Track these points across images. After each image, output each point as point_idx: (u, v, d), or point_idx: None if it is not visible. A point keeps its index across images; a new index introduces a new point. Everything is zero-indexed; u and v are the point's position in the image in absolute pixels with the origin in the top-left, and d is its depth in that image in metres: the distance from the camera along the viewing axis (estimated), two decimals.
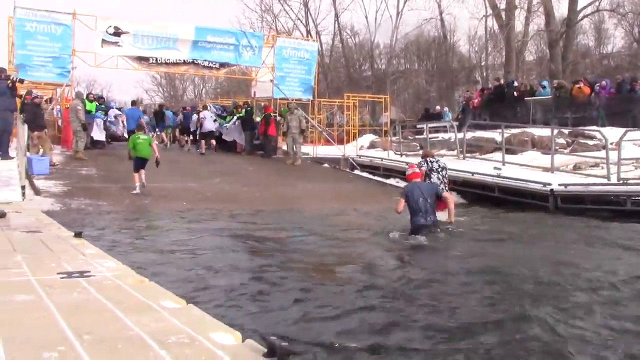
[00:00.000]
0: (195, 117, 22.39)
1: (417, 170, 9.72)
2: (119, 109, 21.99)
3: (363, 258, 7.51)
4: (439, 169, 10.79)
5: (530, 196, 13.08)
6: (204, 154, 19.66)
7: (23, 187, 10.11)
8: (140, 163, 13.24)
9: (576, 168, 14.57)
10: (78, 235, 5.23)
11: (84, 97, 18.84)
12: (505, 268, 6.72)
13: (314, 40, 27.66)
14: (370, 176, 17.95)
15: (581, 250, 8.06)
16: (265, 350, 2.01)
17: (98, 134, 18.68)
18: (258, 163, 18.52)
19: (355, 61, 46.88)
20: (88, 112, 17.56)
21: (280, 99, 21.09)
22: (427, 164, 10.84)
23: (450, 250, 8.06)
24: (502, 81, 24.53)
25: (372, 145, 22.71)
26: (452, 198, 9.63)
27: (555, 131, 15.86)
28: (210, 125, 20.84)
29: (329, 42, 45.71)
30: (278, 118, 20.64)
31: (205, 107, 23.18)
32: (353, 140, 23.03)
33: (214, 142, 20.72)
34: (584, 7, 30.72)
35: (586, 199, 12.22)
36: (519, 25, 33.46)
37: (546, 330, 4.41)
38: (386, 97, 27.04)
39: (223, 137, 21.15)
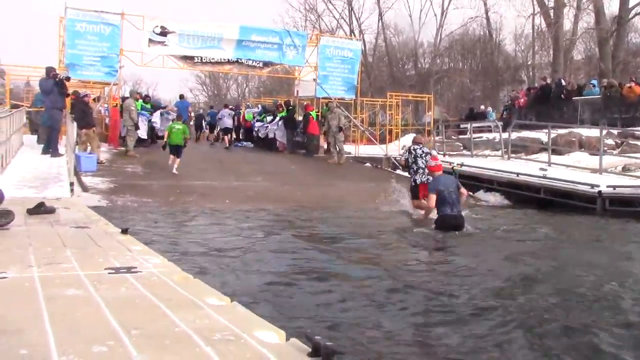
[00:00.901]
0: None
1: (440, 162, 10.44)
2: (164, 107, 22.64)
3: (409, 260, 7.46)
4: (423, 155, 11.60)
5: (578, 198, 12.80)
6: (228, 149, 21.52)
7: (71, 184, 10.35)
8: (173, 149, 15.06)
9: (625, 169, 14.22)
10: (124, 231, 5.33)
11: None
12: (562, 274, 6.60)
13: (357, 39, 27.59)
14: None
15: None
16: (310, 349, 2.01)
17: (142, 132, 19.04)
18: (300, 162, 18.56)
19: (398, 60, 46.56)
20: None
21: (323, 98, 21.10)
22: (412, 152, 11.80)
23: (501, 253, 7.94)
24: (549, 80, 24.00)
25: None
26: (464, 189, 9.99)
27: (604, 132, 15.48)
28: (227, 122, 22.88)
29: (372, 41, 45.57)
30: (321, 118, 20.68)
31: (225, 106, 25.10)
32: (395, 139, 22.91)
33: (226, 137, 22.72)
34: (636, 5, 29.76)
35: (636, 202, 11.88)
36: (567, 24, 32.74)
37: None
38: (429, 96, 26.80)
39: (268, 134, 21.43)
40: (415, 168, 11.54)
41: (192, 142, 24.34)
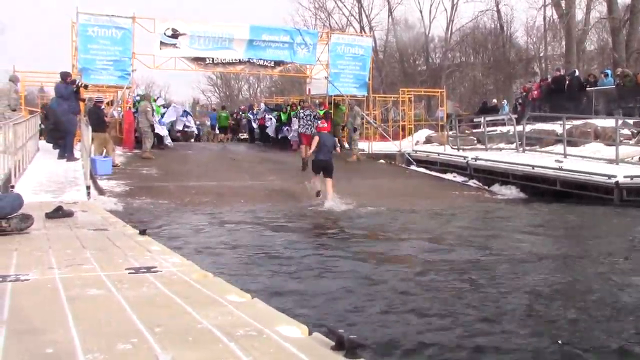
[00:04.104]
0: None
1: (326, 125, 13.94)
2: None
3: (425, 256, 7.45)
4: (305, 117, 17.98)
5: (594, 189, 12.71)
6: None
7: (88, 187, 10.42)
8: (222, 130, 26.36)
9: None
10: (143, 232, 5.34)
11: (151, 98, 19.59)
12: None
13: (368, 36, 27.52)
14: (427, 171, 17.76)
15: None
16: (333, 343, 2.00)
17: (163, 130, 19.26)
18: None
19: (409, 56, 46.41)
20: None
21: (335, 95, 21.07)
22: (299, 113, 18.73)
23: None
24: (562, 72, 23.81)
25: (428, 140, 22.47)
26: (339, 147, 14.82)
27: (620, 122, 15.32)
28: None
29: (382, 37, 45.45)
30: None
31: (223, 108, 29.62)
32: (409, 135, 22.84)
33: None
34: None
35: None
36: (579, 14, 32.48)
37: None
38: (442, 91, 26.69)
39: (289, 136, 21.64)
40: (298, 124, 18.12)
41: (205, 142, 24.69)
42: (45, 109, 17.98)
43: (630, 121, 17.01)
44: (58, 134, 14.73)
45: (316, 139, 13.01)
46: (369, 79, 21.89)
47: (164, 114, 20.18)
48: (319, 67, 21.20)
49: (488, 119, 21.16)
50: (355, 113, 19.34)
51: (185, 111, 23.30)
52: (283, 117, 21.72)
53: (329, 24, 42.68)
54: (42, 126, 16.98)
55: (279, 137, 22.34)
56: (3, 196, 5.68)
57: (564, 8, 30.30)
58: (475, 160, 16.35)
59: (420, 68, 46.04)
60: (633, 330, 4.40)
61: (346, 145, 19.87)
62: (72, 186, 10.34)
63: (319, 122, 15.44)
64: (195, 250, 7.18)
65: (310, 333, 2.21)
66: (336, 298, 5.20)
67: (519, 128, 17.69)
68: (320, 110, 19.76)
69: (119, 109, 19.83)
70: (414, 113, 25.43)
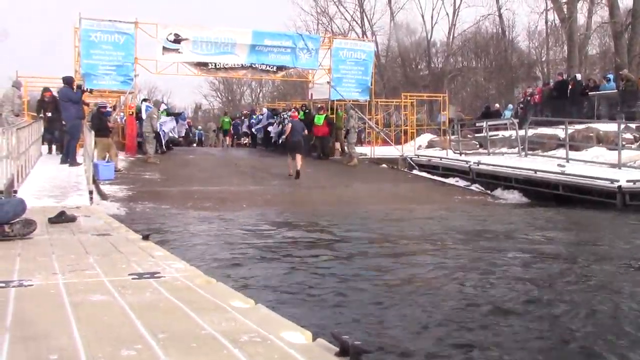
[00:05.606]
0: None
1: (296, 113, 17.58)
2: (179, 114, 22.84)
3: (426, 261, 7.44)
4: (287, 117, 19.30)
5: (597, 193, 12.69)
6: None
7: (90, 192, 10.41)
8: (224, 132, 29.47)
9: None
10: (146, 237, 5.34)
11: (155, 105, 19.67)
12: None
13: (370, 41, 27.55)
14: (429, 176, 17.75)
15: None
16: (338, 349, 2.00)
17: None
18: (315, 165, 18.55)
19: (411, 60, 46.42)
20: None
21: (337, 100, 21.08)
22: (280, 117, 21.15)
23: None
24: (564, 76, 23.79)
25: (431, 145, 22.44)
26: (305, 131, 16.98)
27: (622, 126, 15.30)
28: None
29: (384, 42, 45.48)
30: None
31: (225, 114, 32.50)
32: (411, 140, 22.84)
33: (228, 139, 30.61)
34: None
35: None
36: (581, 18, 32.42)
37: None
38: (444, 95, 26.69)
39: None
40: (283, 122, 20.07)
41: (207, 147, 24.72)
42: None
43: (633, 125, 17.00)
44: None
45: (289, 125, 16.59)
46: (371, 84, 21.89)
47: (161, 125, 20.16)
48: (321, 71, 21.22)
49: (490, 123, 21.15)
50: (349, 116, 19.36)
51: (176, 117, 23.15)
52: None
53: (331, 29, 42.76)
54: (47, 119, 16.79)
55: (280, 141, 22.36)
56: (6, 201, 5.69)
57: (565, 12, 30.28)
58: (478, 165, 16.34)
59: (422, 72, 46.03)
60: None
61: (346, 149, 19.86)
62: (75, 191, 10.35)
63: (293, 112, 18.28)
64: (198, 255, 7.18)
65: (314, 339, 2.21)
66: (337, 304, 5.20)
67: (521, 132, 17.67)
68: (320, 115, 19.85)
69: (122, 114, 19.85)
70: (416, 117, 25.45)
